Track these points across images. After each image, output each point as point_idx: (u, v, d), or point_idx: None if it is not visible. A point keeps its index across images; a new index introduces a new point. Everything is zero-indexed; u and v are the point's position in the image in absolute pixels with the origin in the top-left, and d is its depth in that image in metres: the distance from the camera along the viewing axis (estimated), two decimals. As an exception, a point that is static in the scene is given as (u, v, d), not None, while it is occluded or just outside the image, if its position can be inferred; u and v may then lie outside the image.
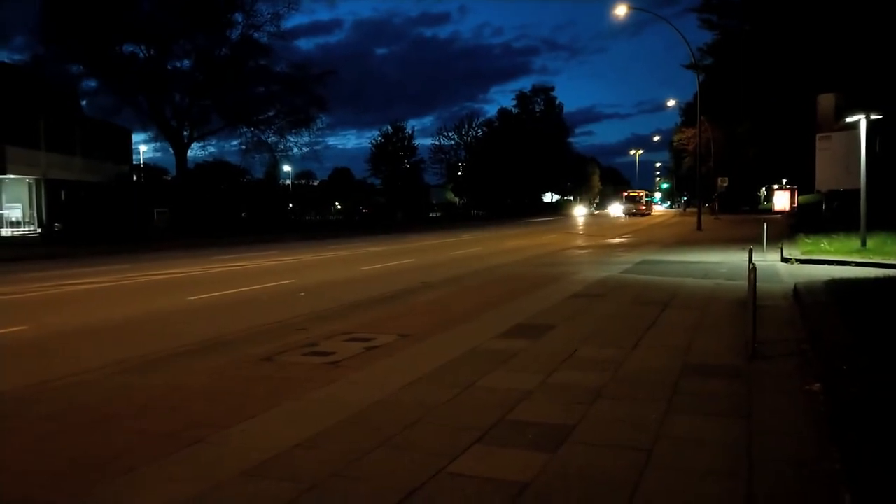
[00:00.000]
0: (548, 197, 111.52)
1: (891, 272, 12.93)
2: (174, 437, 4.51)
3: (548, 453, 4.13)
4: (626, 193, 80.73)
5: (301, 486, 3.71)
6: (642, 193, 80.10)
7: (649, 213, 74.40)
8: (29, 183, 38.81)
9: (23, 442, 4.57)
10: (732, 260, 16.58)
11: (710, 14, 48.52)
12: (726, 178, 55.48)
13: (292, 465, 4.03)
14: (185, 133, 44.34)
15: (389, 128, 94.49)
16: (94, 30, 38.24)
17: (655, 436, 4.42)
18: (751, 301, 6.60)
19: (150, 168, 62.45)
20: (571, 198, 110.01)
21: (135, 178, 51.95)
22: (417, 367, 6.32)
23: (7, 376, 6.67)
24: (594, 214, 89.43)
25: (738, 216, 54.42)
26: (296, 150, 48.98)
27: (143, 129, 47.33)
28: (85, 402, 5.41)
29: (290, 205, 71.63)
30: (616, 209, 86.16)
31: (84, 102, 44.49)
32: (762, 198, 75.24)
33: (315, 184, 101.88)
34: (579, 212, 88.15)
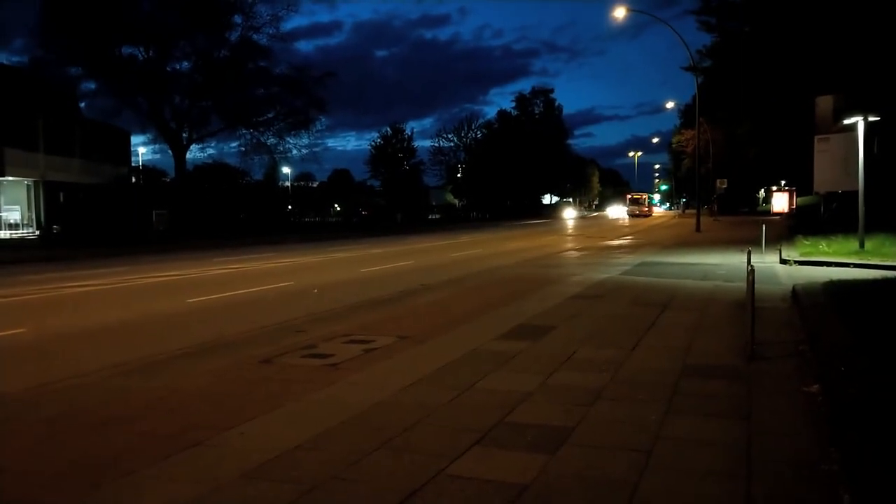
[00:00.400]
0: (547, 199, 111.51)
1: (889, 273, 12.95)
2: (174, 440, 4.51)
3: (547, 455, 4.13)
4: (629, 196, 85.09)
5: (301, 487, 3.72)
6: (645, 196, 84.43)
7: (650, 215, 77.39)
8: (27, 185, 38.79)
9: (23, 444, 4.58)
10: (731, 261, 16.60)
11: (708, 16, 48.67)
12: (725, 180, 55.56)
13: (292, 466, 4.03)
14: (184, 135, 44.37)
15: (389, 129, 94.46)
16: (94, 31, 38.25)
17: (655, 437, 4.43)
18: (750, 302, 6.61)
19: (149, 170, 62.47)
20: (571, 199, 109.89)
21: (134, 179, 51.96)
22: (417, 368, 6.32)
23: (7, 379, 6.67)
24: (590, 216, 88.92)
25: (737, 218, 54.47)
26: (295, 151, 49.13)
27: (143, 131, 47.36)
28: (84, 404, 5.41)
29: (290, 206, 71.58)
30: (614, 211, 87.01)
31: (83, 104, 44.55)
32: (761, 199, 75.37)
33: (314, 185, 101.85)
34: (569, 214, 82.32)
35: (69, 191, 39.80)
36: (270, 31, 44.22)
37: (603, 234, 35.51)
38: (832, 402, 4.91)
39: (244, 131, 46.14)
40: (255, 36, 44.46)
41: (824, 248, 17.42)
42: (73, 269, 19.02)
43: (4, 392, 5.85)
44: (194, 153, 48.34)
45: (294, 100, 46.28)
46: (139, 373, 6.44)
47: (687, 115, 75.53)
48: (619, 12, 33.46)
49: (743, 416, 4.85)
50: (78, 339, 8.96)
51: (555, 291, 11.70)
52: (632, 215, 73.88)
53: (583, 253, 21.59)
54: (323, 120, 49.53)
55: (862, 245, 16.81)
